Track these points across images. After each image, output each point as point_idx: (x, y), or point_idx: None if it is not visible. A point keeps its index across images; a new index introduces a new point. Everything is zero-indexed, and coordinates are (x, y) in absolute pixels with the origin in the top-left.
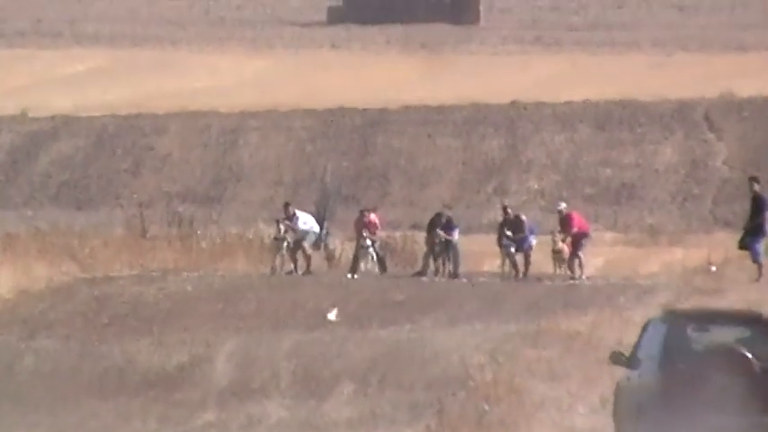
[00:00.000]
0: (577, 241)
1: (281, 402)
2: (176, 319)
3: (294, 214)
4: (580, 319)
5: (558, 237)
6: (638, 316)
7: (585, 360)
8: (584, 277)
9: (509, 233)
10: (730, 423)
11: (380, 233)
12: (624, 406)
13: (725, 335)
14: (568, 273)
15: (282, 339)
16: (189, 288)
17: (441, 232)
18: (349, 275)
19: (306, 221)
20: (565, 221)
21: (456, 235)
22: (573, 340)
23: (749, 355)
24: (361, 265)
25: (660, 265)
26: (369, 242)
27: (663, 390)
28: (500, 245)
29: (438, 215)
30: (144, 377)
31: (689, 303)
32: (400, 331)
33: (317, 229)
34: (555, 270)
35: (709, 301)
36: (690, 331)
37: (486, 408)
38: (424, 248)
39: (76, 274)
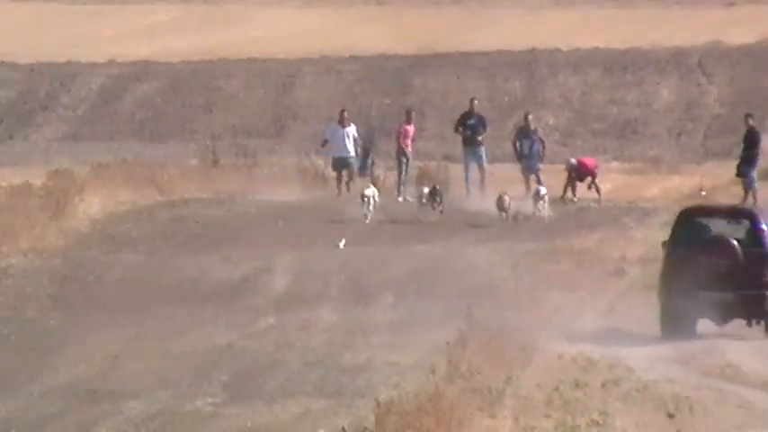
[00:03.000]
0: (591, 174)
1: (332, 308)
2: (242, 237)
3: (350, 124)
4: (590, 238)
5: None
6: (640, 234)
7: (595, 273)
8: (602, 199)
9: (524, 149)
10: (717, 298)
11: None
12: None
13: (726, 226)
14: (596, 196)
15: (333, 254)
16: (253, 210)
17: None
18: (400, 199)
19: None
20: (580, 169)
21: (484, 158)
22: (584, 256)
23: (735, 243)
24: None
25: (659, 190)
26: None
27: (667, 270)
28: (515, 147)
29: (472, 101)
30: (214, 287)
31: None
32: (435, 248)
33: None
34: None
35: None
36: (695, 222)
37: (510, 313)
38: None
39: (156, 198)
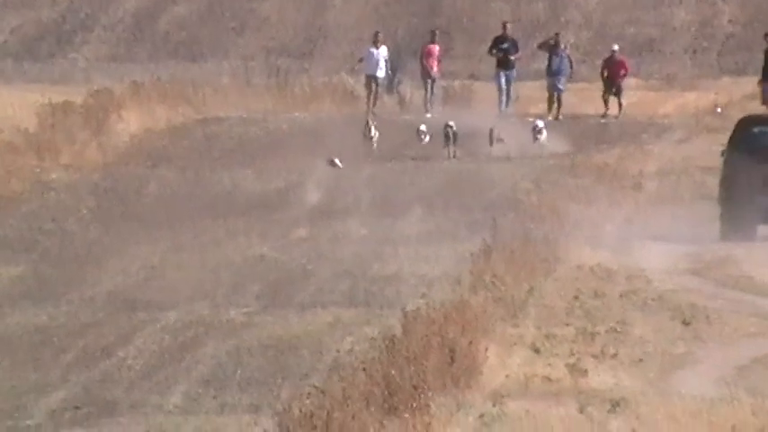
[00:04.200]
0: (622, 70)
1: (362, 221)
2: (274, 152)
3: (381, 45)
4: (609, 153)
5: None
6: (657, 149)
7: (613, 187)
8: (621, 115)
9: (553, 65)
10: None
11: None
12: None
13: None
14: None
15: (363, 169)
16: (285, 127)
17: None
18: (428, 116)
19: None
20: (620, 64)
21: (513, 81)
22: (603, 170)
23: None
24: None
25: (675, 107)
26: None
27: (726, 177)
28: (539, 48)
29: (504, 25)
30: (248, 200)
31: (699, 139)
32: (460, 164)
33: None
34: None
35: (717, 137)
36: (752, 130)
37: (532, 226)
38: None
39: (191, 116)
